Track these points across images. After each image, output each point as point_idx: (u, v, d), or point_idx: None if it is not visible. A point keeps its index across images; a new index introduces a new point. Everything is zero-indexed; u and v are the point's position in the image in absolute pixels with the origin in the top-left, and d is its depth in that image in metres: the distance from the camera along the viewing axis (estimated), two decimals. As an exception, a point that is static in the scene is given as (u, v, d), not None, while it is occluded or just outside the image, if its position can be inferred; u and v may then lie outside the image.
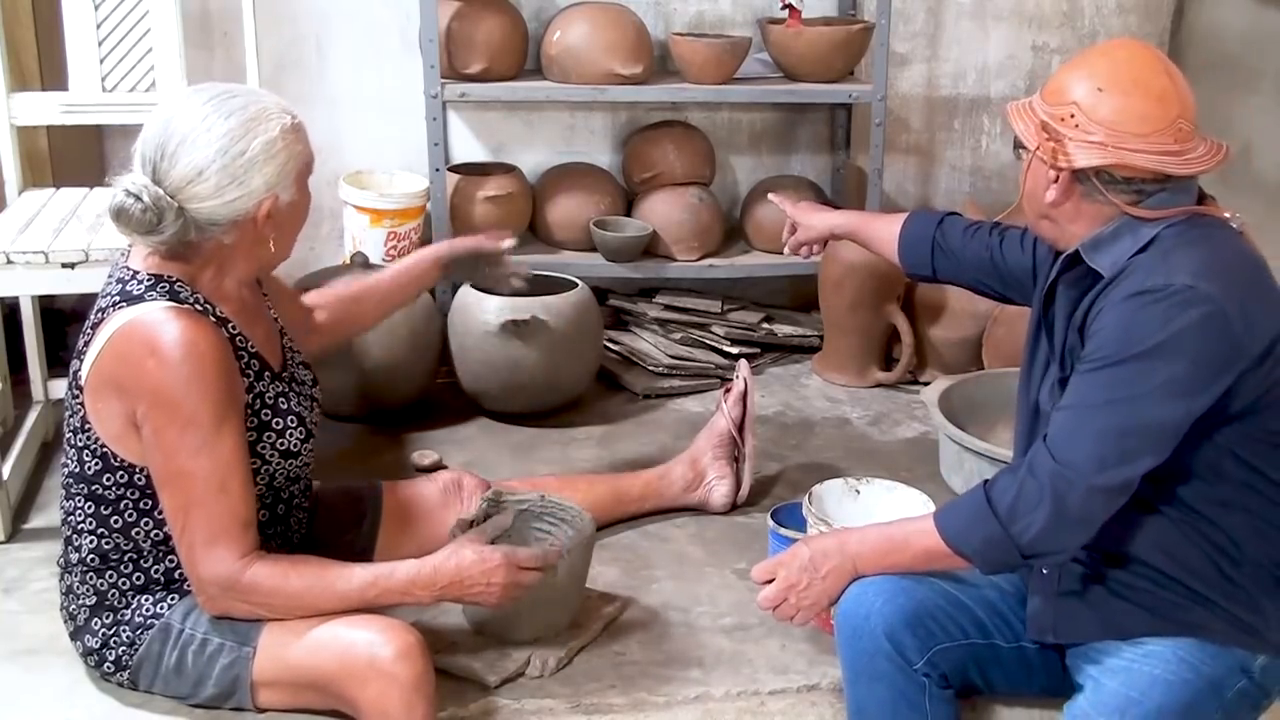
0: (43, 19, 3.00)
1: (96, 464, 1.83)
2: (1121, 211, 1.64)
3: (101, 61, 2.74)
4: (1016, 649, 1.82)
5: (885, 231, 2.22)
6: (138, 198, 1.73)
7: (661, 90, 3.28)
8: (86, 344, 1.81)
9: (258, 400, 1.88)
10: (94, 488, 1.84)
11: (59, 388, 2.84)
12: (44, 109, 2.75)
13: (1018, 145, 1.72)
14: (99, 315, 1.81)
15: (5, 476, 2.43)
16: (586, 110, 3.51)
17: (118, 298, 1.79)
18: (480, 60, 3.17)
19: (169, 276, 1.81)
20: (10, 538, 2.39)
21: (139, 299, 1.78)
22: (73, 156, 3.16)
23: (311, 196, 1.92)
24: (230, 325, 1.85)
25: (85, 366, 1.80)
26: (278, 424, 1.90)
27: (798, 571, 1.80)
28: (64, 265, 2.33)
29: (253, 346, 1.89)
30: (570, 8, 3.28)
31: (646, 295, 3.49)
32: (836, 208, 2.65)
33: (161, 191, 1.74)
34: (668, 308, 3.40)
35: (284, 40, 3.28)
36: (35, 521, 2.47)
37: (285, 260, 1.94)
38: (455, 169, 3.33)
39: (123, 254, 1.90)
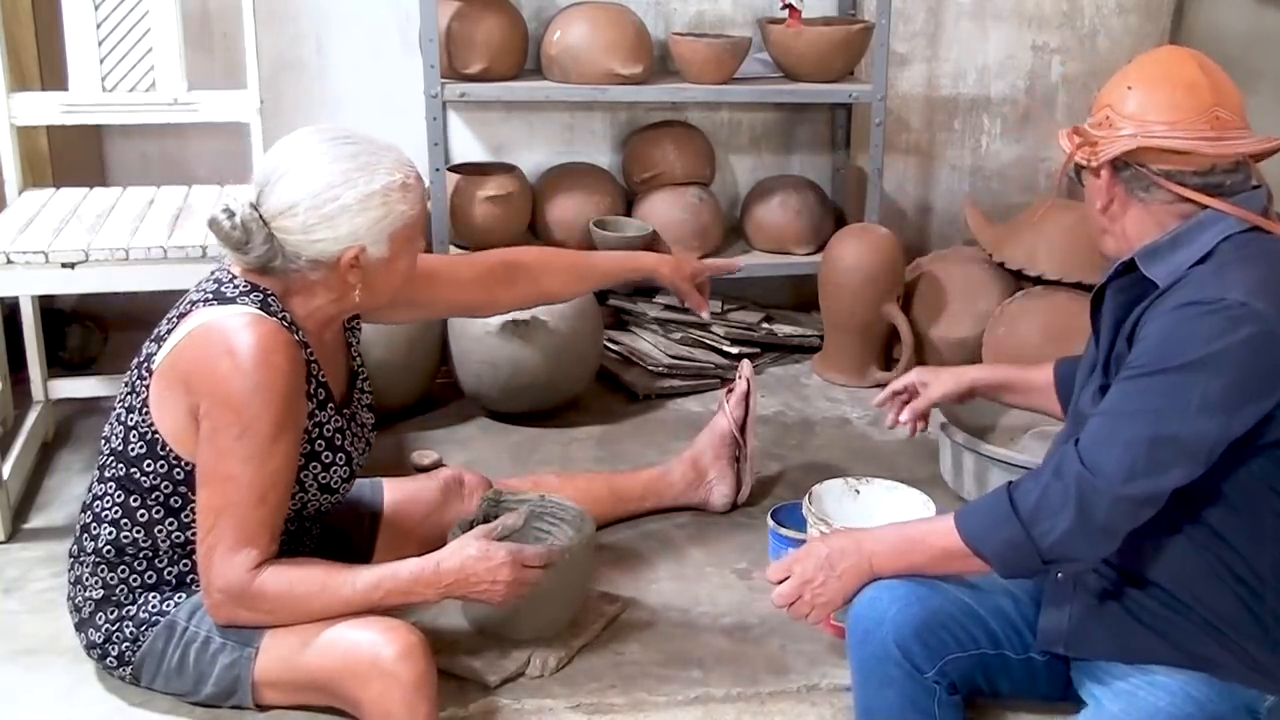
0: (43, 19, 3.00)
1: (141, 447, 1.83)
2: (1175, 197, 1.62)
3: (101, 61, 2.74)
4: (1025, 660, 1.80)
5: (1040, 379, 2.14)
6: (231, 214, 1.79)
7: (661, 90, 3.28)
8: (168, 331, 1.83)
9: (316, 429, 1.89)
10: (131, 470, 1.84)
11: (59, 388, 2.84)
12: (44, 109, 2.75)
13: (1077, 168, 1.73)
14: (188, 307, 1.84)
15: (5, 476, 2.42)
16: (586, 110, 3.51)
17: (210, 296, 1.82)
18: (480, 60, 3.17)
19: (264, 288, 1.83)
20: (10, 538, 2.39)
21: (230, 301, 1.80)
22: (73, 156, 3.16)
23: (414, 257, 1.90)
24: (308, 350, 1.87)
25: (161, 352, 1.82)
26: (327, 458, 1.91)
27: (814, 569, 1.78)
28: (64, 265, 2.33)
29: (323, 376, 1.91)
30: (570, 8, 3.28)
31: (646, 295, 3.49)
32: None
33: (257, 214, 1.79)
34: (668, 307, 3.40)
35: (284, 40, 3.28)
36: (35, 521, 2.47)
37: (379, 308, 1.95)
38: (455, 169, 3.33)
39: (222, 258, 1.92)
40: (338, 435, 1.93)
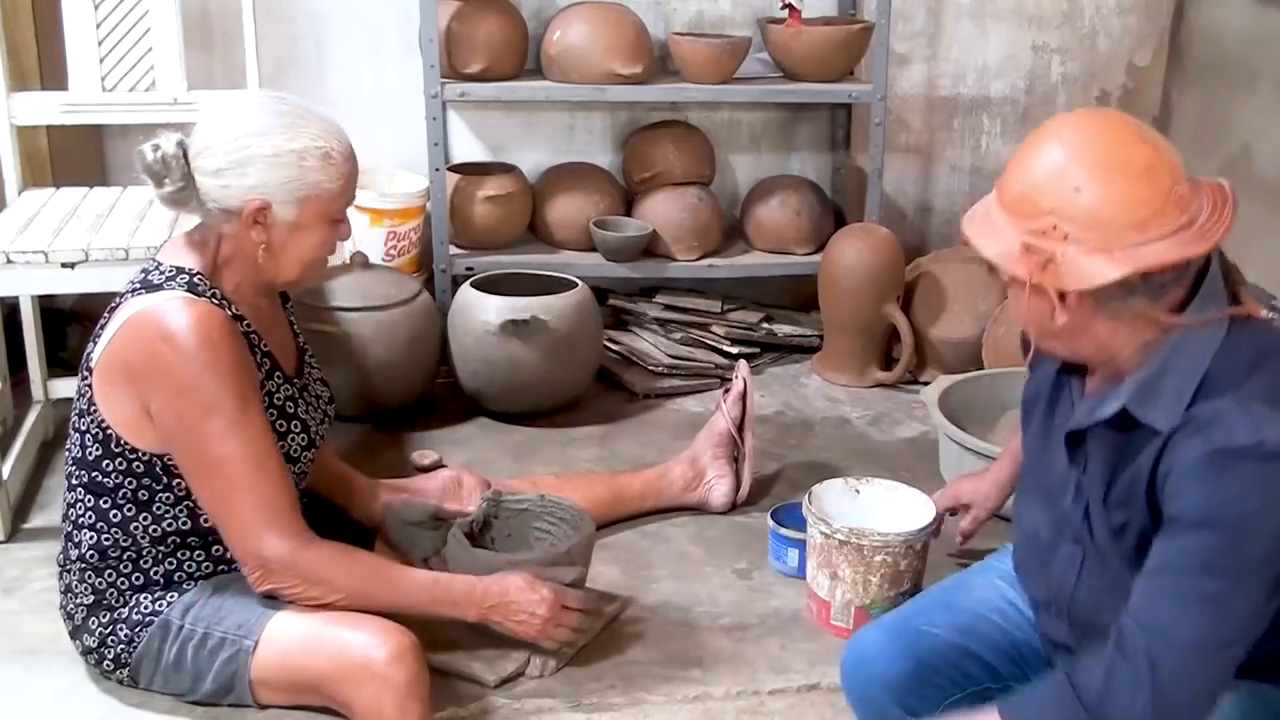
0: (43, 19, 3.00)
1: (97, 449, 1.84)
2: (1148, 319, 1.42)
3: (101, 61, 2.74)
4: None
5: None
6: (156, 148, 1.81)
7: (661, 90, 3.28)
8: (102, 328, 1.84)
9: (266, 399, 1.89)
10: (94, 474, 1.84)
11: (59, 388, 2.84)
12: (44, 109, 2.75)
13: (994, 269, 1.47)
14: (118, 300, 1.85)
15: (5, 476, 2.43)
16: (586, 110, 3.51)
17: (138, 285, 1.83)
18: (480, 60, 3.17)
19: (190, 269, 1.84)
20: (10, 537, 2.39)
21: (157, 288, 1.81)
22: (73, 156, 3.16)
23: (328, 235, 1.89)
24: (245, 322, 1.87)
25: (98, 350, 1.82)
26: (281, 426, 1.91)
27: None
28: (64, 265, 2.33)
29: (265, 345, 1.91)
30: (570, 8, 3.28)
31: (646, 295, 3.49)
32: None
33: (179, 152, 1.81)
34: (668, 308, 3.40)
35: (284, 40, 3.28)
36: (35, 521, 2.47)
37: (290, 284, 1.95)
38: (455, 169, 3.33)
39: (156, 249, 1.95)
40: (289, 404, 1.93)
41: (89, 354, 1.85)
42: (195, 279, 1.82)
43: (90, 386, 1.83)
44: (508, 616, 1.90)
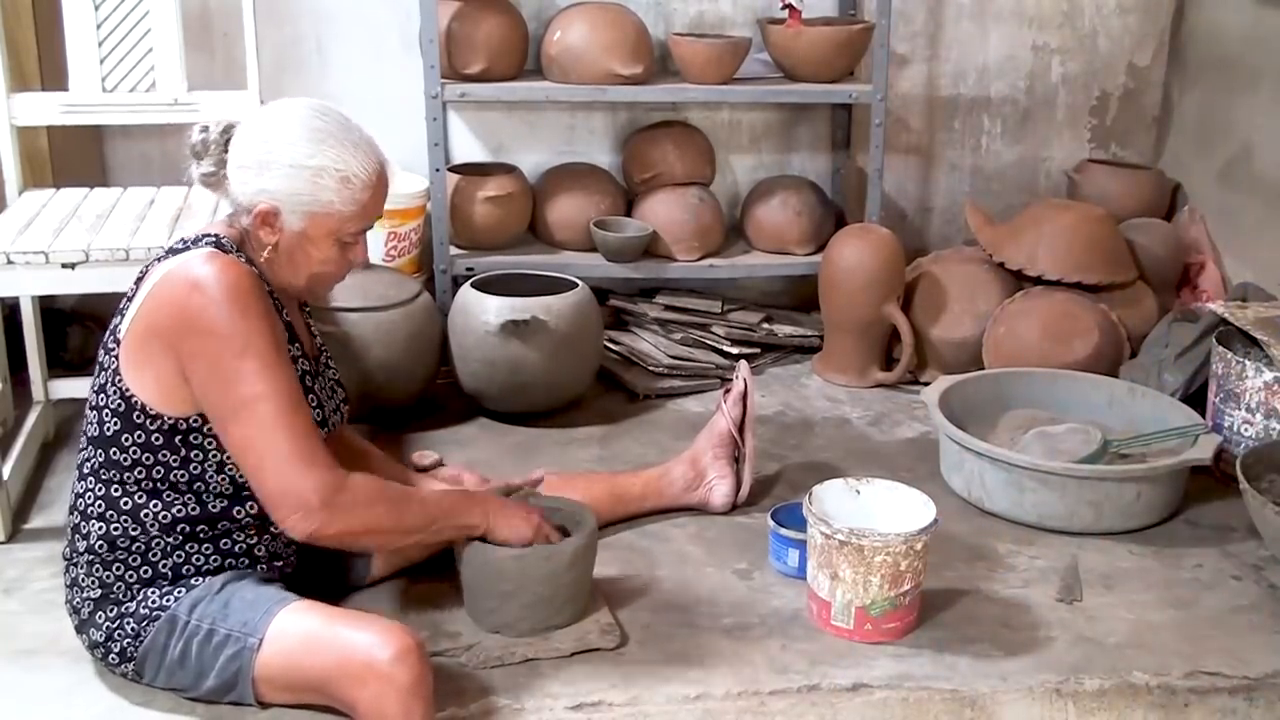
0: (43, 19, 3.00)
1: (116, 423, 1.84)
2: None
3: (101, 62, 2.74)
4: None
5: None
6: (204, 129, 1.89)
7: (661, 90, 3.28)
8: (129, 299, 1.86)
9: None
10: (110, 451, 1.85)
11: (59, 388, 2.84)
12: (44, 109, 2.75)
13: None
14: (143, 270, 1.88)
15: (5, 476, 2.42)
16: (586, 110, 3.51)
17: (165, 253, 1.87)
18: (480, 60, 3.17)
19: (218, 235, 1.87)
20: (10, 538, 2.39)
21: (182, 251, 1.84)
22: (73, 156, 3.16)
23: (335, 254, 1.90)
24: (269, 288, 1.89)
25: (126, 320, 1.84)
26: None
27: None
28: (64, 265, 2.33)
29: (287, 315, 1.94)
30: (570, 8, 3.28)
31: (647, 295, 3.49)
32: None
33: (221, 140, 1.88)
34: (668, 308, 3.40)
35: (284, 40, 3.28)
36: (35, 521, 2.47)
37: (300, 292, 1.96)
38: (455, 169, 3.33)
39: (156, 250, 2.00)
40: (306, 377, 1.95)
41: (115, 326, 1.86)
42: (222, 240, 1.86)
43: (116, 358, 1.84)
44: (502, 523, 2.00)
